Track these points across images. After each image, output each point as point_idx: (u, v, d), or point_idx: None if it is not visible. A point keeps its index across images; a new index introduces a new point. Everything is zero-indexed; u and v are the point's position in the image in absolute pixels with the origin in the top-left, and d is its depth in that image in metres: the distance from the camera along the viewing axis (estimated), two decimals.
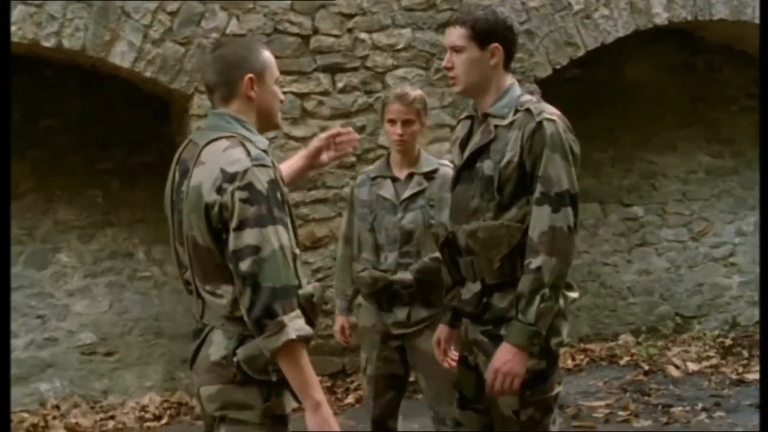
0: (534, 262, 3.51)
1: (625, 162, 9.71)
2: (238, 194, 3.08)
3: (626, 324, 9.60)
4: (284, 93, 7.52)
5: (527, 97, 3.75)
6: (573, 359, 8.69)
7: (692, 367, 8.21)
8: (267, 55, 3.39)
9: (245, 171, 3.10)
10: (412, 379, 5.27)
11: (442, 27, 8.15)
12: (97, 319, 8.31)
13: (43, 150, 8.23)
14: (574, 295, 3.74)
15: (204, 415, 3.41)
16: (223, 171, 3.12)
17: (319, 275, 7.78)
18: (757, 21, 8.99)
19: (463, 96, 4.09)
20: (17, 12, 7.19)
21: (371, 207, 5.02)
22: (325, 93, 7.97)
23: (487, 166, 3.68)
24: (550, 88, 8.50)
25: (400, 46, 8.13)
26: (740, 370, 8.05)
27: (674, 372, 8.09)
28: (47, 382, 8.09)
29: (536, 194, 3.55)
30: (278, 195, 3.16)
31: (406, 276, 4.88)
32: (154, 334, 8.42)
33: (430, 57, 8.19)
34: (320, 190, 7.84)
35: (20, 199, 8.13)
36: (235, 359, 3.19)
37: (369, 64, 8.08)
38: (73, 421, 7.46)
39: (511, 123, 3.65)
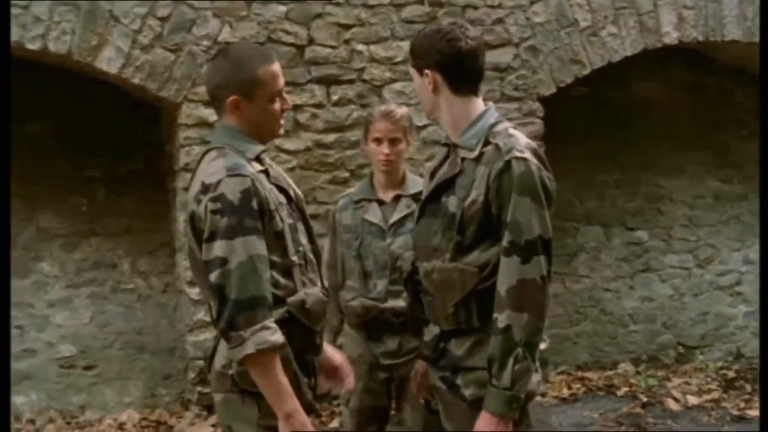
0: (501, 320, 3.20)
1: (631, 184, 9.42)
2: (210, 205, 3.14)
3: (626, 352, 9.31)
4: None
5: (502, 125, 3.41)
6: (569, 388, 8.41)
7: (692, 400, 7.91)
8: (262, 70, 3.32)
9: (218, 182, 3.15)
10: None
11: None
12: (77, 332, 8.06)
13: (27, 155, 7.94)
14: (541, 345, 3.41)
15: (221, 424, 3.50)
16: (202, 183, 3.21)
17: None
18: None
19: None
20: None
21: (357, 232, 4.76)
22: (319, 105, 7.72)
23: (451, 202, 3.37)
24: (555, 107, 8.28)
25: (398, 59, 7.85)
26: (742, 405, 7.74)
27: (673, 405, 7.79)
28: (23, 395, 7.83)
29: (504, 243, 3.24)
30: (253, 204, 3.16)
31: (397, 303, 4.60)
32: (135, 348, 8.16)
33: None
34: (311, 205, 7.55)
35: None
36: (230, 371, 3.26)
37: (366, 76, 7.82)
38: None
39: (480, 156, 3.33)
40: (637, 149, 9.32)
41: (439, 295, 3.40)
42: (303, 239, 3.45)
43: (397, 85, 7.86)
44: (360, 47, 7.80)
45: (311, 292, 3.37)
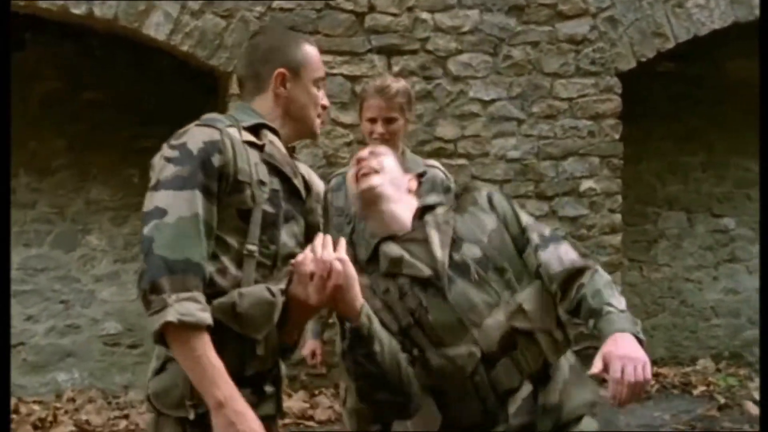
0: (586, 277, 3.03)
1: (718, 168, 8.85)
2: (167, 152, 2.67)
3: (706, 348, 8.76)
4: (333, 75, 6.99)
5: None
6: None
7: None
8: (309, 50, 2.95)
9: (186, 131, 2.71)
10: None
11: (514, 10, 7.39)
12: (123, 308, 7.83)
13: (82, 124, 7.78)
14: None
15: None
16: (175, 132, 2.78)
17: None
18: None
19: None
20: None
21: (349, 216, 4.28)
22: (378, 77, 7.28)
23: (467, 250, 3.06)
24: (635, 83, 7.74)
25: (465, 29, 7.37)
26: None
27: (752, 409, 7.20)
28: (66, 372, 7.66)
29: (536, 241, 3.11)
30: (213, 160, 2.65)
31: None
32: None
33: (498, 42, 7.42)
34: None
35: (52, 176, 7.77)
36: (148, 391, 2.71)
37: (429, 47, 7.35)
38: (84, 418, 6.92)
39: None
40: (727, 130, 8.73)
41: (540, 325, 3.03)
42: (288, 240, 2.84)
43: (464, 57, 7.39)
44: (424, 15, 7.34)
45: (248, 292, 2.69)
